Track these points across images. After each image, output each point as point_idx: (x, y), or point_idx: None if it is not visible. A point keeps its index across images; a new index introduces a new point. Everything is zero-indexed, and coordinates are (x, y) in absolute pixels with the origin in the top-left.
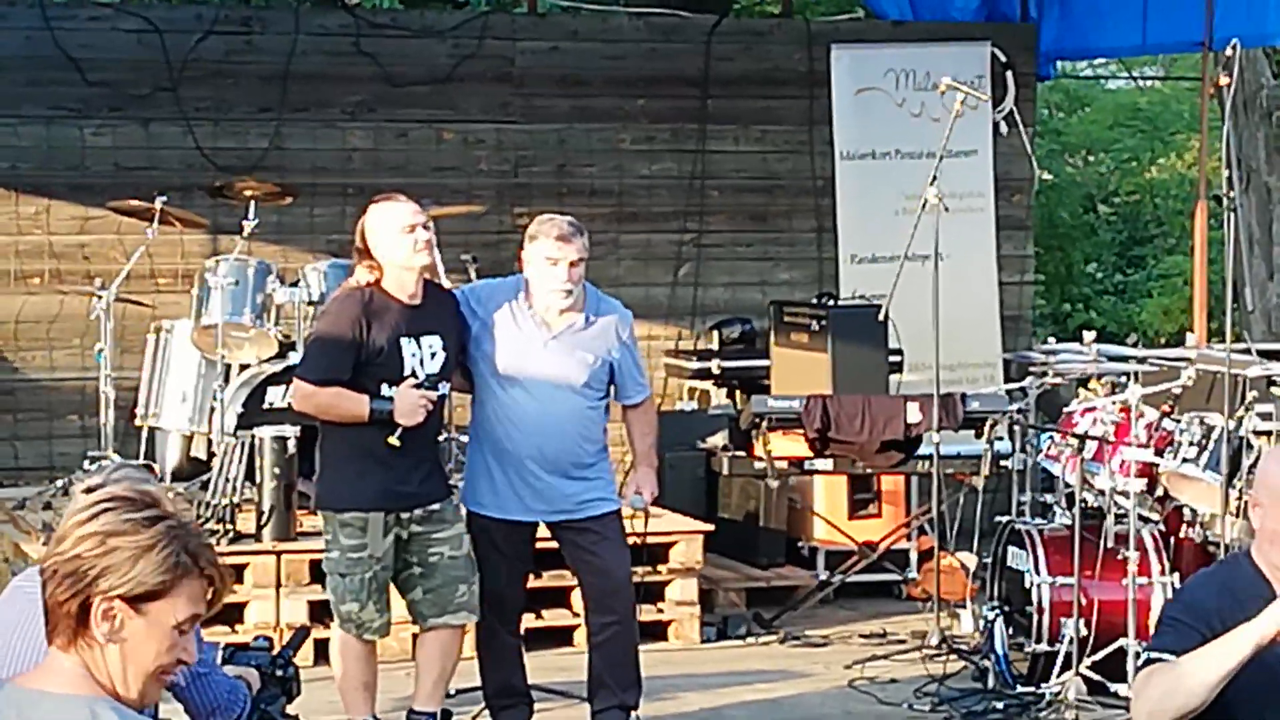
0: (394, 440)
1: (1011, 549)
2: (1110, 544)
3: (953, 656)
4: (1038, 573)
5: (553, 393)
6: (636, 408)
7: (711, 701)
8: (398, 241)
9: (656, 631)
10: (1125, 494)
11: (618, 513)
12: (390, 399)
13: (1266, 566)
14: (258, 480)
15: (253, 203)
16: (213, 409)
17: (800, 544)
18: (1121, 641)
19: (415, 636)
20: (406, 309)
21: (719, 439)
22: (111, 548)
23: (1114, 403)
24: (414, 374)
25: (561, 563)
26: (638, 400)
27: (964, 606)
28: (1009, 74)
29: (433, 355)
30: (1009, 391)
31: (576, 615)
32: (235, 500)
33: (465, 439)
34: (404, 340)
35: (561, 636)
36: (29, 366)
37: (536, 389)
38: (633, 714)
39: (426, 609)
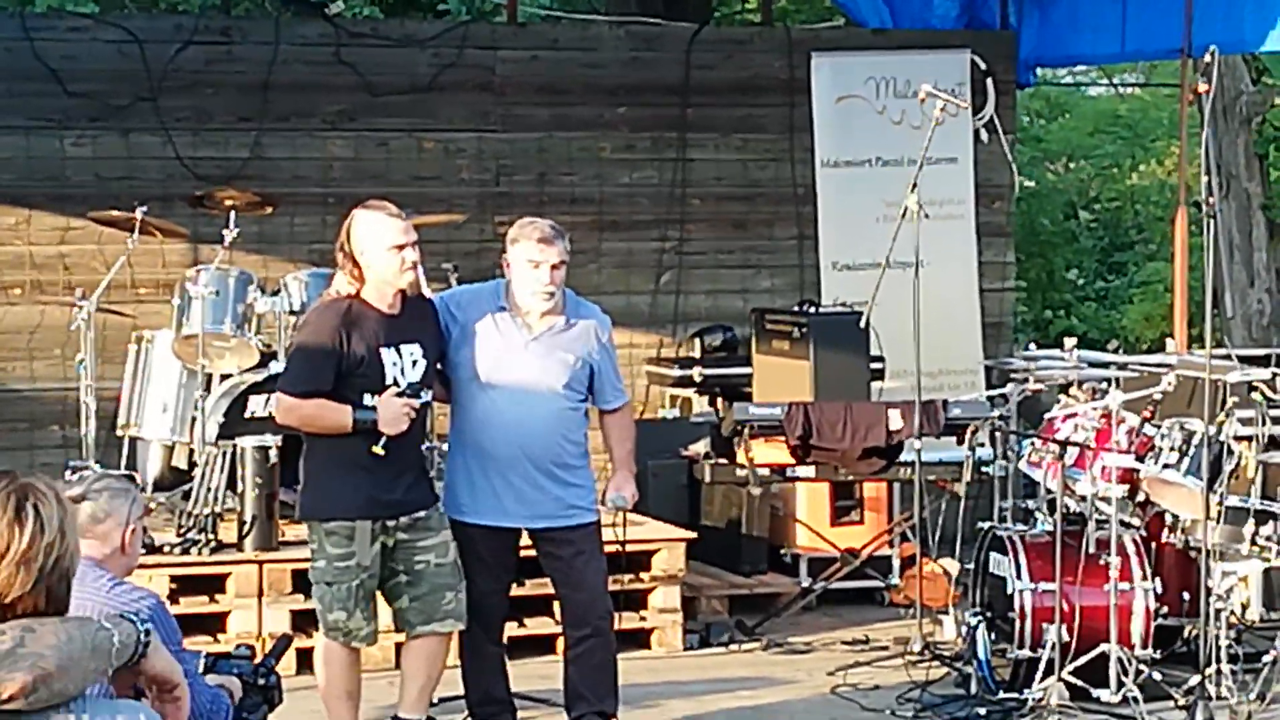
0: (378, 449)
1: (993, 555)
2: (1092, 550)
3: (935, 663)
4: (1020, 579)
5: (534, 393)
6: (614, 413)
7: (694, 709)
8: (385, 258)
9: (639, 639)
10: (1106, 500)
11: (598, 524)
12: (373, 408)
13: None
14: (239, 490)
15: (233, 212)
16: (194, 419)
17: (782, 551)
18: (1103, 647)
19: (399, 645)
20: (386, 318)
21: (701, 446)
22: None
23: (1095, 409)
24: (395, 383)
25: (544, 571)
26: (615, 405)
27: (946, 613)
28: (989, 81)
29: (414, 363)
30: (990, 398)
31: (559, 623)
32: (217, 510)
33: (445, 447)
34: (384, 350)
35: (544, 645)
36: (10, 377)
37: (518, 390)
38: None
39: (413, 617)
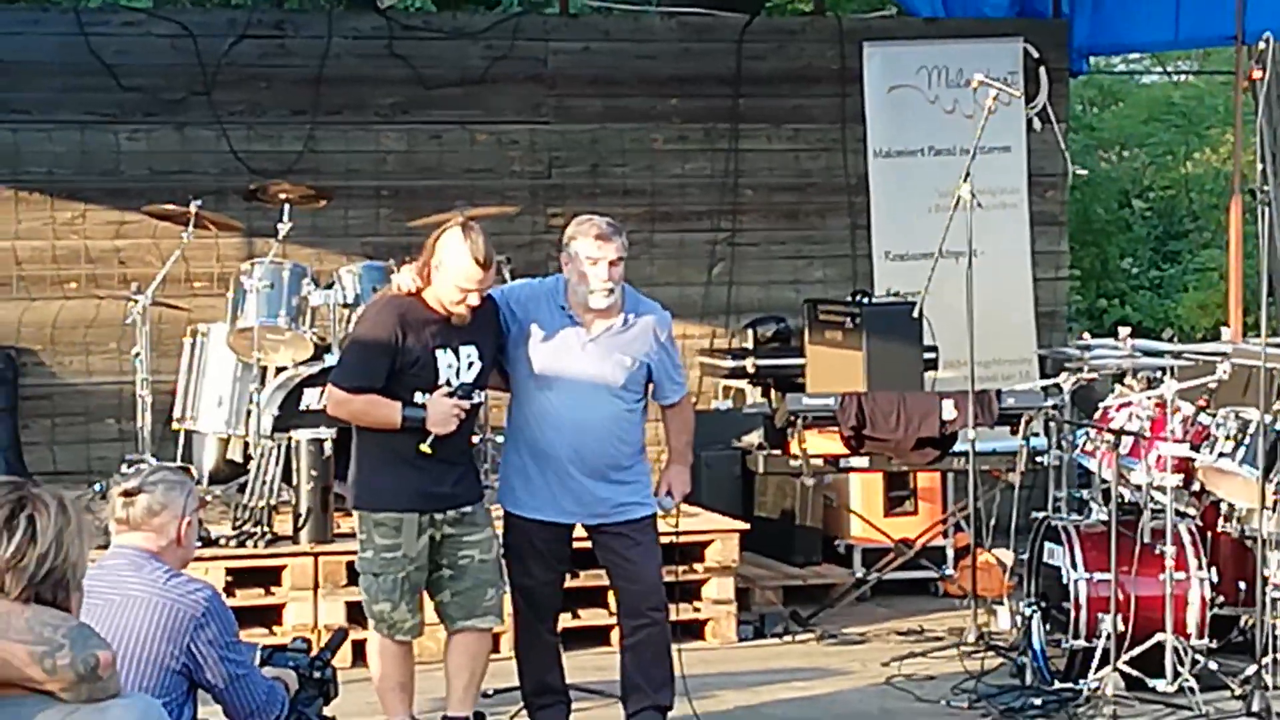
0: (426, 448)
1: (1048, 545)
2: (1147, 539)
3: (990, 653)
4: (1075, 569)
5: (590, 395)
6: (674, 406)
7: (749, 700)
8: (449, 289)
9: (693, 630)
10: (1162, 489)
11: (653, 516)
12: (423, 407)
13: None
14: (294, 482)
15: (287, 205)
16: (249, 412)
17: (836, 542)
18: (1159, 637)
19: None
20: (444, 320)
21: (754, 437)
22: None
23: (1150, 398)
24: (448, 383)
25: (599, 563)
26: (674, 400)
27: (1001, 603)
28: (1042, 70)
29: (470, 365)
30: (1044, 388)
31: (614, 615)
32: (272, 502)
33: (501, 440)
34: (440, 351)
35: (599, 636)
36: (66, 371)
37: (574, 391)
38: (668, 714)
39: (455, 611)
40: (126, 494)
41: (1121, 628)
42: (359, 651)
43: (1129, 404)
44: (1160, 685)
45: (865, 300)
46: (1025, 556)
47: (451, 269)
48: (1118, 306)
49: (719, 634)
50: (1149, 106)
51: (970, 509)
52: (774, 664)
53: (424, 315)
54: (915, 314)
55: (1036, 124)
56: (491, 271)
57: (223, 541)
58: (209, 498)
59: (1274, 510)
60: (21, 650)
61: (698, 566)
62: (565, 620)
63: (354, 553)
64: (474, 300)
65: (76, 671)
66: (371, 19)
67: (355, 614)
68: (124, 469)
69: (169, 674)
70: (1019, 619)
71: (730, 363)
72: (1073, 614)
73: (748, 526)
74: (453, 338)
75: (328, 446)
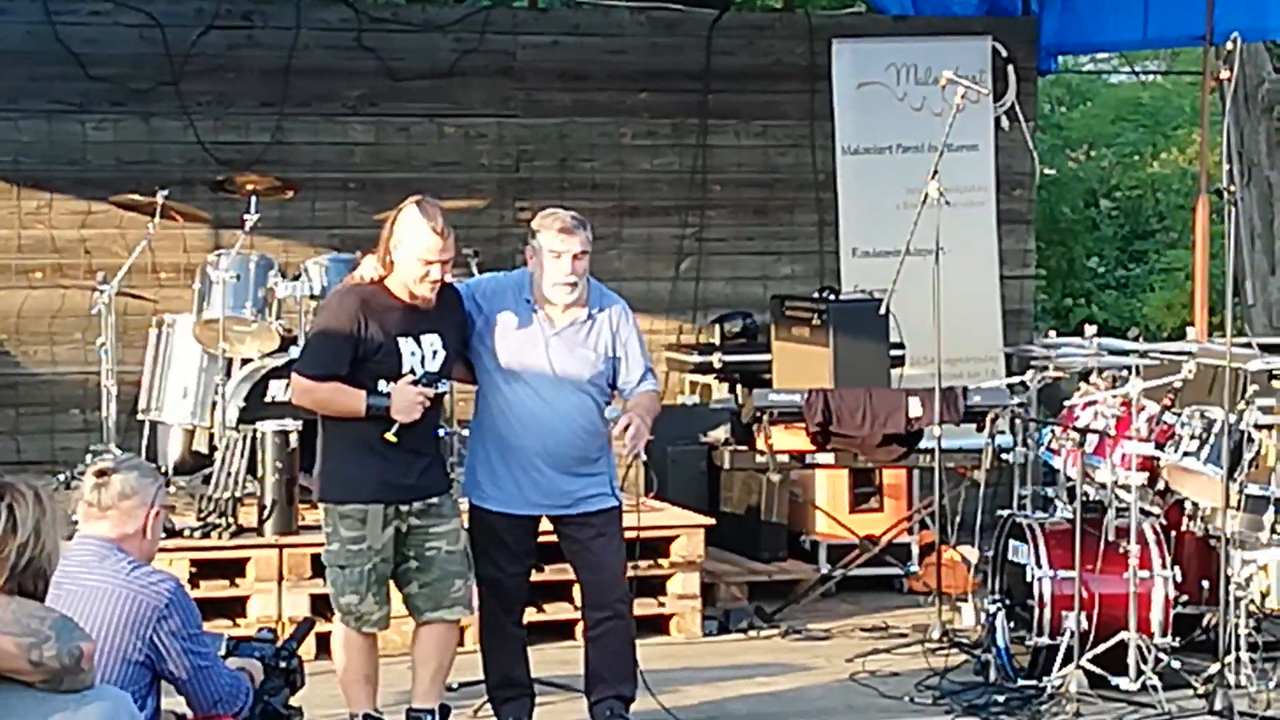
0: (390, 436)
1: (1013, 542)
2: (1111, 537)
3: (954, 650)
4: (1039, 566)
5: (556, 389)
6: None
7: (713, 695)
8: (411, 266)
9: (658, 625)
10: (1126, 487)
11: (618, 509)
12: (387, 395)
13: None
14: (260, 474)
15: (254, 197)
16: (214, 403)
17: (802, 538)
18: (1122, 635)
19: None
20: (407, 307)
21: (720, 433)
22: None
23: (1115, 396)
24: (412, 371)
25: (564, 556)
26: (647, 391)
27: (965, 600)
28: (1010, 68)
29: (434, 354)
30: (1010, 385)
31: (579, 609)
32: (237, 494)
33: (466, 433)
34: (403, 339)
35: (563, 630)
36: (31, 361)
37: (540, 385)
38: (630, 705)
39: (422, 603)
40: (101, 474)
41: (1085, 625)
42: (323, 643)
43: (1094, 402)
44: (1123, 683)
45: (832, 297)
46: (990, 554)
47: (412, 244)
48: (1084, 305)
49: (684, 629)
50: (1116, 106)
51: (935, 506)
52: (738, 659)
53: (386, 303)
54: (882, 311)
55: (1004, 122)
56: (450, 241)
57: (187, 533)
58: (173, 489)
59: (1238, 509)
60: (9, 642)
61: (663, 561)
62: (530, 614)
63: (319, 545)
64: (436, 274)
65: (61, 663)
66: (340, 11)
67: (320, 606)
68: (89, 460)
69: (132, 665)
70: (983, 616)
71: (697, 358)
72: (1037, 611)
73: (713, 522)
74: (416, 326)
75: (293, 438)
